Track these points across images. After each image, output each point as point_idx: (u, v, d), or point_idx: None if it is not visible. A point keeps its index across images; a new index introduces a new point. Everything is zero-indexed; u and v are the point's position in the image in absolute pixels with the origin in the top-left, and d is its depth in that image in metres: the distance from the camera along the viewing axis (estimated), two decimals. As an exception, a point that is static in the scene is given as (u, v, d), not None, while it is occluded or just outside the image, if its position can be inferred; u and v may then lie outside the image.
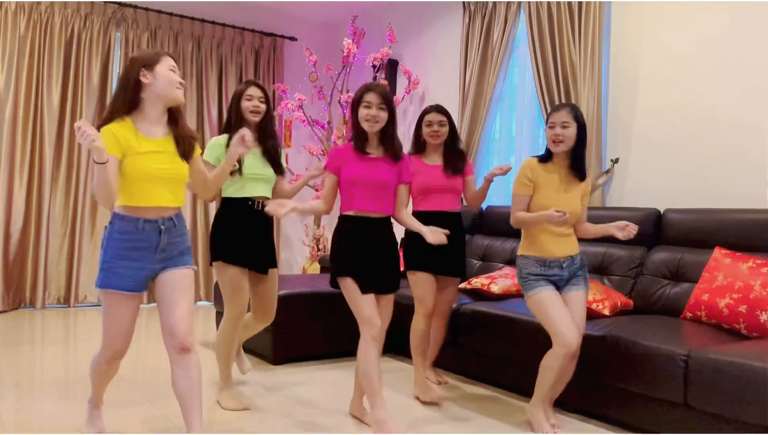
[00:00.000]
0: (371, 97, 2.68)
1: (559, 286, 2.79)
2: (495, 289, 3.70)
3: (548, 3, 4.31)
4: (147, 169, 2.24)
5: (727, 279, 2.96)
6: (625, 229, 2.72)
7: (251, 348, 4.01)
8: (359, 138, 2.77)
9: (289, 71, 6.65)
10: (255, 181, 3.10)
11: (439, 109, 3.33)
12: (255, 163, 3.10)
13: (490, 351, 3.37)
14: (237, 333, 3.09)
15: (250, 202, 3.08)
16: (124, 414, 2.83)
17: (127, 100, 2.27)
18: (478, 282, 3.82)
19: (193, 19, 6.08)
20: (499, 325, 3.28)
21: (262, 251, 3.10)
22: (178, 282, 2.30)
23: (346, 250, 2.72)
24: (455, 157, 3.36)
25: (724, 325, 2.92)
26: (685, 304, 3.14)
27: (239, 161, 3.02)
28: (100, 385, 2.52)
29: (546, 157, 2.83)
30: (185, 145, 2.33)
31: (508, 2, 4.67)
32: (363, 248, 2.71)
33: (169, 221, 2.32)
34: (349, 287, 2.68)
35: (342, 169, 2.75)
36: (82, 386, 3.23)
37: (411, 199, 3.40)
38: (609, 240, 3.72)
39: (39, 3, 5.42)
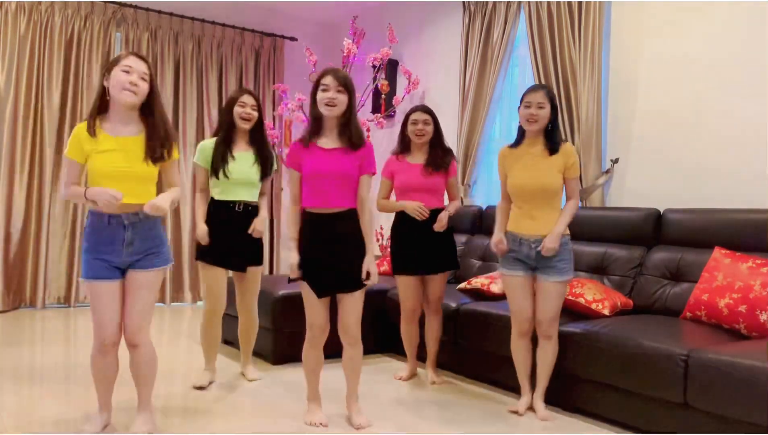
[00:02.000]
0: (329, 80, 2.54)
1: (534, 268, 2.86)
2: (495, 289, 3.69)
3: (548, 3, 4.31)
4: (102, 167, 2.38)
5: (727, 279, 2.96)
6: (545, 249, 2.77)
7: (251, 348, 4.00)
8: (315, 127, 2.63)
9: (289, 71, 6.65)
10: (240, 185, 3.22)
11: (425, 109, 3.42)
12: (243, 168, 3.22)
13: (490, 351, 3.37)
14: (213, 327, 3.28)
15: (231, 205, 3.22)
16: (124, 414, 2.83)
17: (96, 105, 2.45)
18: (478, 282, 3.82)
19: (193, 19, 6.08)
20: (499, 325, 3.28)
21: (241, 251, 3.25)
22: (141, 284, 2.46)
23: (303, 252, 2.65)
24: (438, 155, 3.40)
25: (724, 325, 2.92)
26: (685, 304, 3.14)
27: (225, 166, 3.17)
28: (99, 382, 2.54)
29: (517, 141, 2.98)
30: (151, 148, 2.43)
31: (508, 2, 4.67)
32: (319, 248, 2.60)
33: (134, 216, 2.42)
34: (304, 289, 2.68)
35: (302, 165, 2.63)
36: (82, 386, 3.23)
37: (395, 196, 3.51)
38: (609, 240, 3.73)
39: (39, 3, 5.42)
